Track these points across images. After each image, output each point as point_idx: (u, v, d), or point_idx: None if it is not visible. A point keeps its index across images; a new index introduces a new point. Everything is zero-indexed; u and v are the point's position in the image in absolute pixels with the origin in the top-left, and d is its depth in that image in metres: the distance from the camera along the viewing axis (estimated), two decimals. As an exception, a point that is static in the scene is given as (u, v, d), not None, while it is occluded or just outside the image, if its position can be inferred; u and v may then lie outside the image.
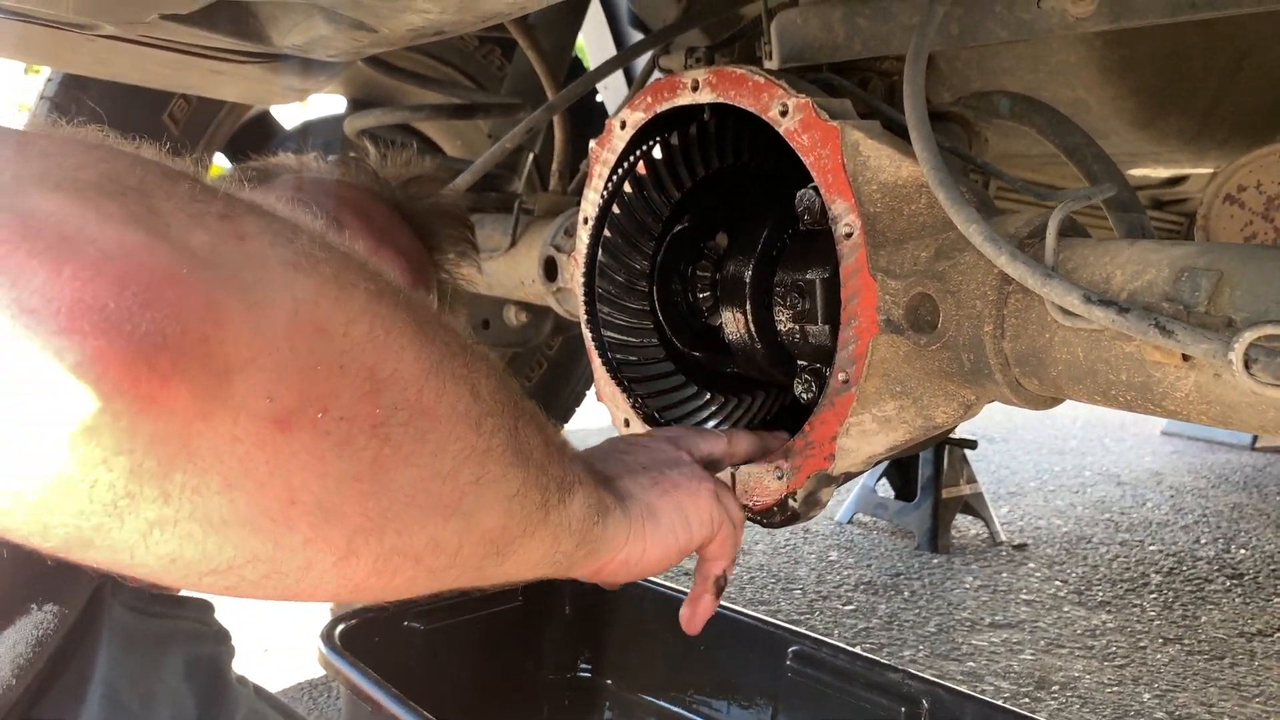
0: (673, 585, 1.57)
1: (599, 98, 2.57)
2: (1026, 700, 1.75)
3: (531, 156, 2.06)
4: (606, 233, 1.15)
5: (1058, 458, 4.15)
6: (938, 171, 0.82)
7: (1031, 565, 2.61)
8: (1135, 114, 1.58)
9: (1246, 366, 0.61)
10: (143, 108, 1.89)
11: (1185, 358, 0.68)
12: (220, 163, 2.28)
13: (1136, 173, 1.94)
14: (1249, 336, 0.60)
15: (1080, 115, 1.57)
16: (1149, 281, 0.72)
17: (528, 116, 1.45)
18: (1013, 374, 0.82)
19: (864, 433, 0.95)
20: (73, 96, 1.85)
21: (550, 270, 1.39)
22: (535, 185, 2.06)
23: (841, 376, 0.93)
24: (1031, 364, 0.80)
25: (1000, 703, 1.46)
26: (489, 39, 2.27)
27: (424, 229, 1.14)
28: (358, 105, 2.30)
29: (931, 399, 0.92)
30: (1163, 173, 2.04)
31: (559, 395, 2.59)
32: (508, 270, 1.52)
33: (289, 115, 2.53)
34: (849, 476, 1.00)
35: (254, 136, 2.29)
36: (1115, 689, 1.83)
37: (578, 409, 2.68)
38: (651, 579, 1.62)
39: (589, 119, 1.84)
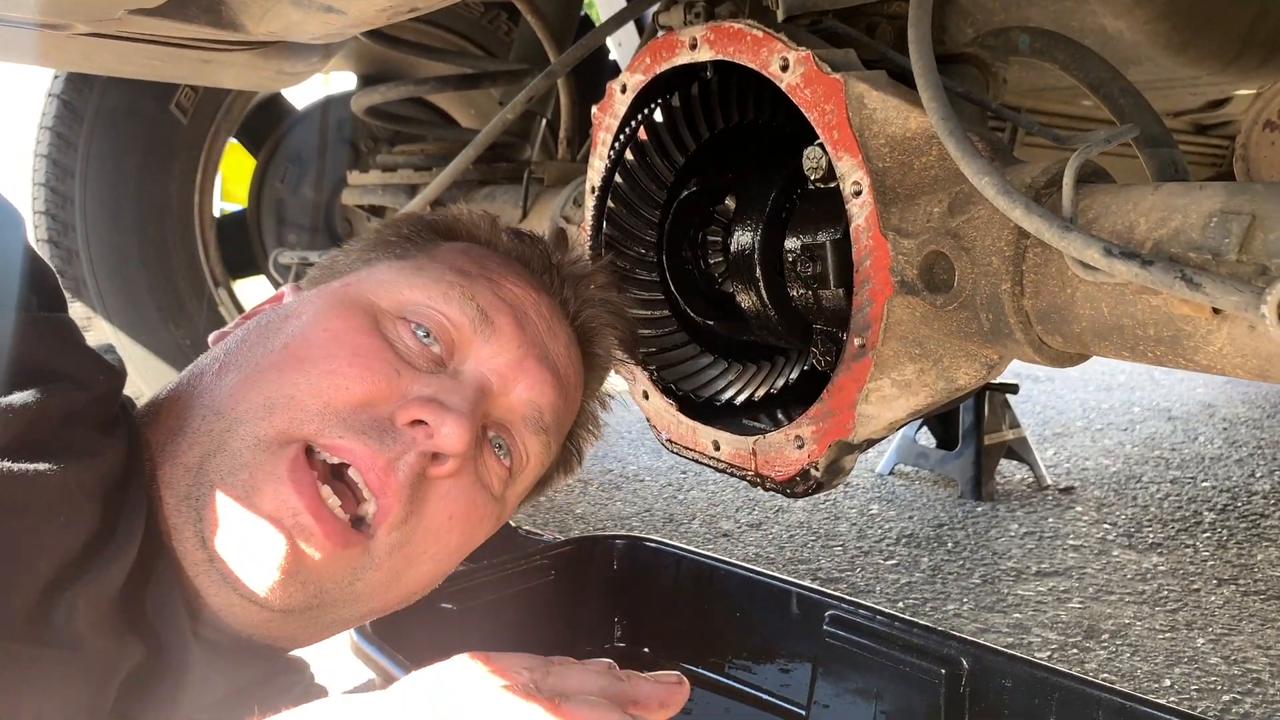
0: (707, 553, 1.55)
1: (613, 56, 2.51)
2: (1075, 651, 1.71)
3: (545, 122, 2.02)
4: (611, 203, 1.11)
5: (1105, 394, 4.06)
6: (947, 121, 0.78)
7: (1079, 509, 2.56)
8: (1169, 38, 1.50)
9: (1281, 319, 0.56)
10: (150, 99, 1.88)
11: (1216, 310, 0.64)
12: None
13: (1177, 97, 1.85)
14: (1282, 287, 0.56)
15: (1111, 44, 1.49)
16: (1175, 229, 0.67)
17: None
18: (1035, 332, 0.78)
19: (884, 398, 0.91)
20: (80, 93, 1.84)
21: (560, 242, 1.36)
22: (551, 152, 2.02)
23: (858, 341, 0.89)
24: (1054, 321, 0.76)
25: (1042, 659, 1.43)
26: (494, 4, 2.22)
27: (589, 337, 0.96)
28: (369, 81, 2.27)
29: (952, 360, 0.88)
30: (1204, 96, 1.95)
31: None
32: (520, 243, 1.49)
33: (304, 95, 2.51)
34: (871, 443, 0.97)
35: (266, 119, 2.28)
36: (1167, 635, 1.79)
37: (608, 376, 2.65)
38: (685, 547, 1.60)
39: (601, 81, 1.80)
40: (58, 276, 0.72)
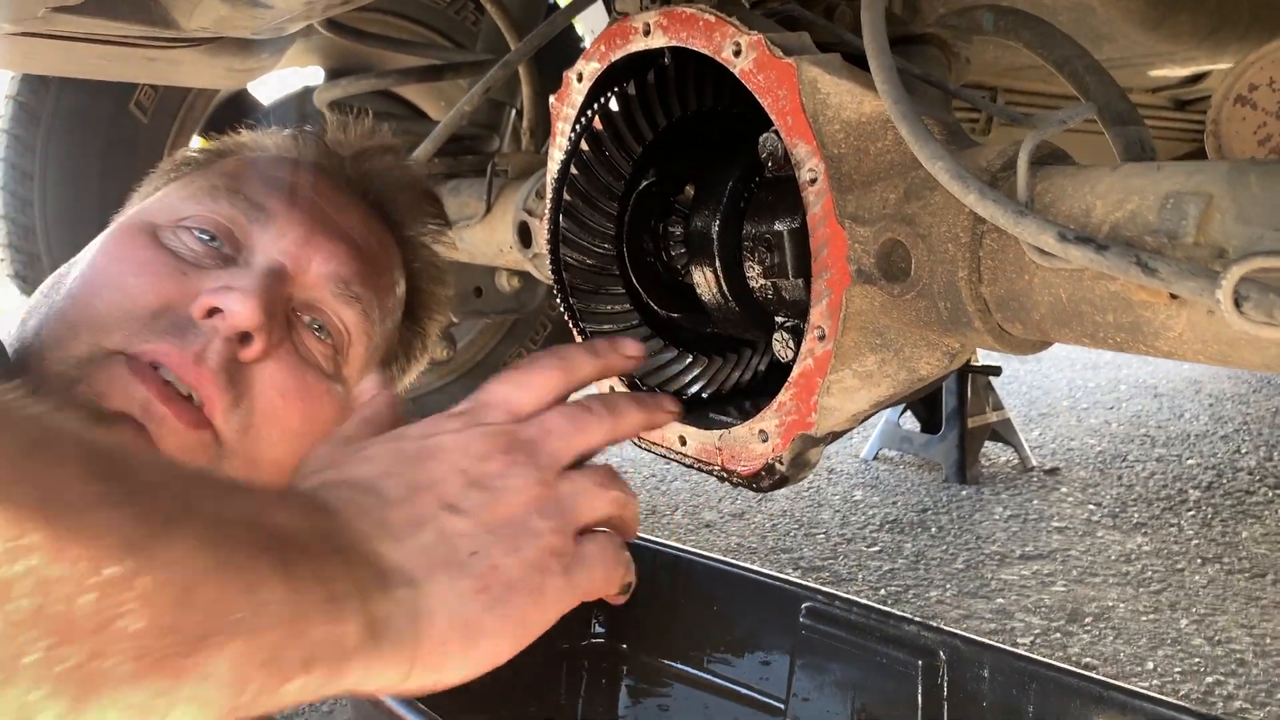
0: (683, 546, 1.53)
1: (585, 44, 2.48)
2: (1057, 635, 1.70)
3: (514, 112, 1.99)
4: (568, 195, 1.09)
5: (1091, 372, 4.06)
6: (899, 104, 0.75)
7: (1064, 490, 2.55)
8: (1144, 14, 1.48)
9: (1237, 305, 0.54)
10: (108, 99, 1.85)
11: (1174, 295, 0.62)
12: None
13: (1154, 73, 1.83)
14: (1237, 272, 0.54)
15: (1085, 20, 1.47)
16: (1132, 212, 0.65)
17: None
18: (994, 320, 0.76)
19: (846, 390, 0.89)
20: (37, 94, 1.81)
21: (525, 236, 1.33)
22: (520, 143, 1.99)
23: (817, 332, 0.87)
24: (1013, 308, 0.74)
25: (1025, 645, 1.42)
26: (460, -7, 2.19)
27: (383, 205, 1.04)
28: (336, 75, 2.23)
29: (914, 350, 0.86)
30: (1181, 71, 1.93)
31: (568, 354, 2.54)
32: (485, 237, 1.46)
33: (271, 90, 2.47)
34: (835, 436, 0.95)
35: (231, 116, 2.24)
36: (1151, 616, 1.78)
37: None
38: (661, 541, 1.59)
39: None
40: None
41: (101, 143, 1.86)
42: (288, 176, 0.90)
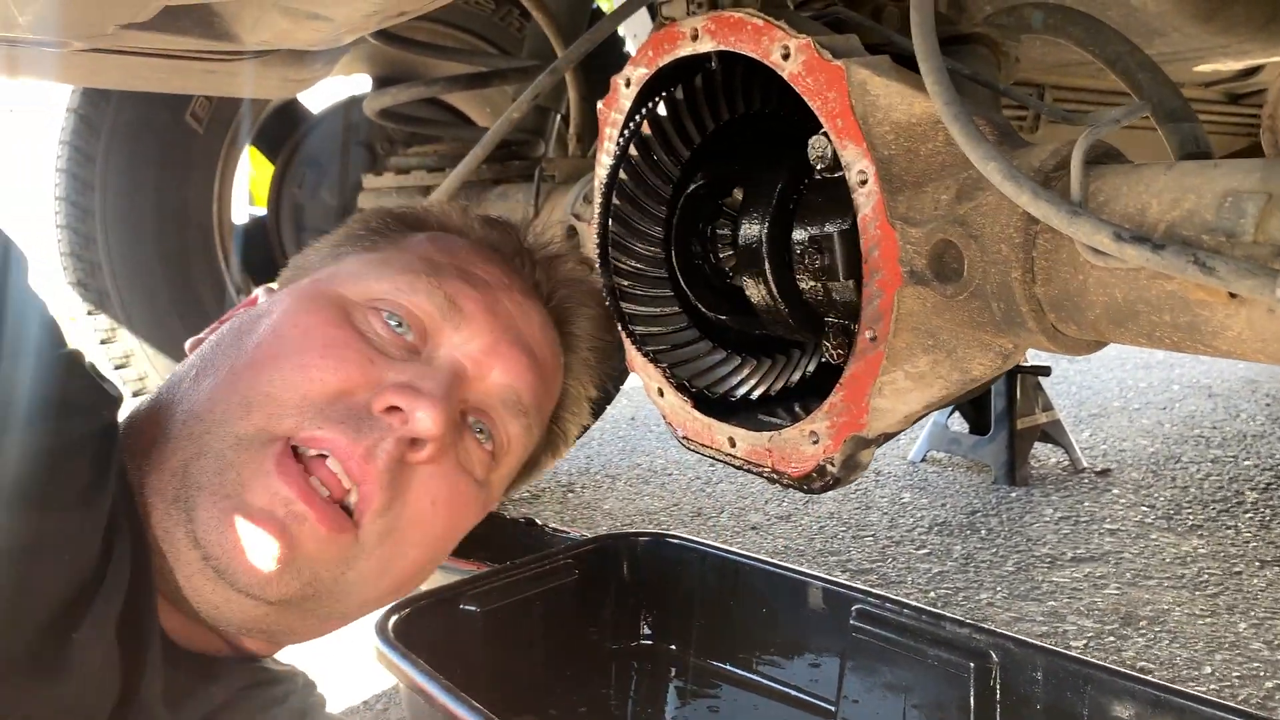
0: (731, 549, 1.54)
1: (629, 49, 2.50)
2: (1111, 638, 1.68)
3: (559, 119, 2.01)
4: (617, 199, 1.10)
5: (1143, 373, 3.98)
6: (950, 105, 0.76)
7: (1116, 491, 2.51)
8: (1196, 6, 1.46)
9: (1299, 303, 0.54)
10: (164, 110, 1.90)
11: (1233, 294, 0.61)
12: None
13: (1207, 67, 1.80)
14: (1299, 269, 0.53)
15: (1134, 15, 1.45)
16: (1189, 210, 0.64)
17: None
18: (1048, 320, 0.76)
19: (898, 391, 0.89)
20: (97, 108, 1.86)
21: (572, 240, 1.35)
22: (566, 149, 2.01)
23: (869, 334, 0.87)
24: (1067, 308, 0.74)
25: (1078, 649, 1.40)
26: (504, 1, 2.21)
27: (562, 317, 0.99)
28: (384, 83, 2.27)
29: (966, 351, 0.85)
30: (1234, 65, 1.89)
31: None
32: (534, 242, 1.48)
33: (321, 99, 2.51)
34: (887, 437, 0.95)
35: (282, 125, 2.29)
36: (1208, 620, 1.75)
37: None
38: (710, 543, 1.59)
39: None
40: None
41: (158, 153, 1.91)
42: (484, 275, 0.88)
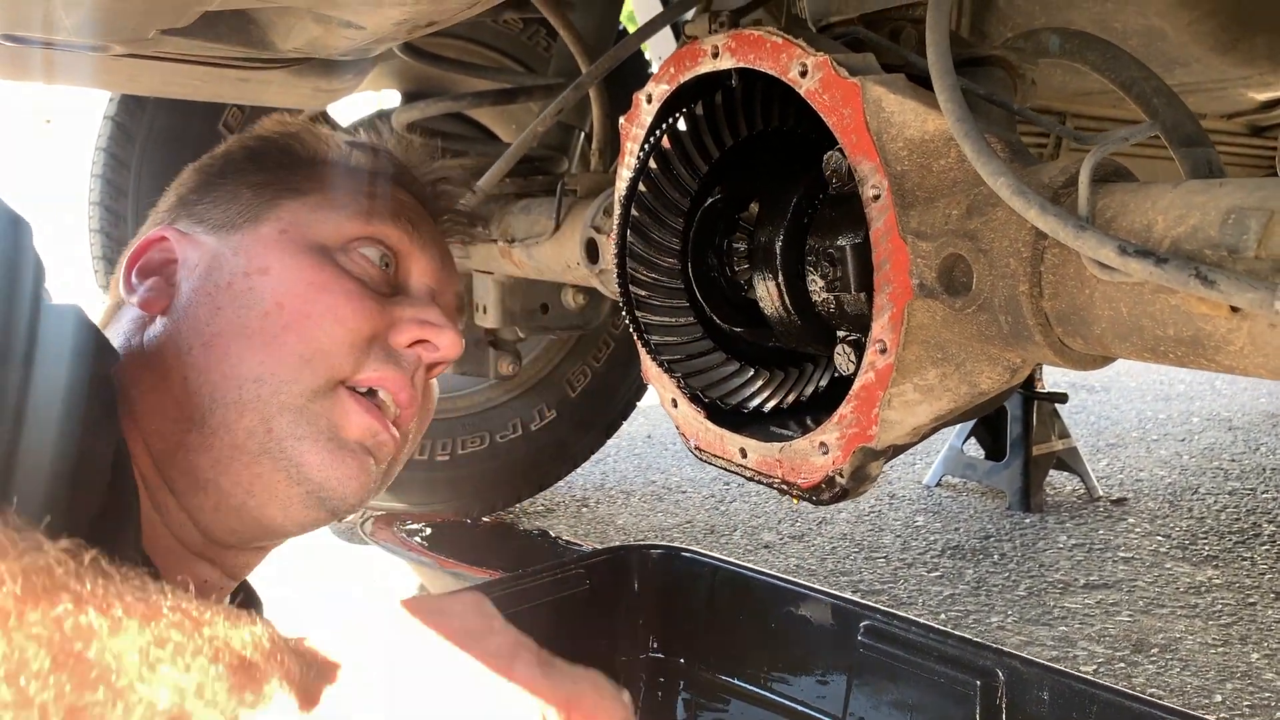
0: (743, 564, 1.54)
1: (653, 68, 2.53)
2: (1121, 665, 1.67)
3: (582, 135, 2.04)
4: (636, 212, 1.12)
5: (1163, 404, 3.96)
6: (962, 122, 0.77)
7: (1131, 520, 2.50)
8: (1217, 37, 1.47)
9: (1297, 316, 0.55)
10: (199, 119, 1.94)
11: (1234, 309, 0.63)
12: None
13: (1229, 98, 1.81)
14: (1296, 283, 0.55)
15: (1156, 45, 1.46)
16: (1194, 226, 0.66)
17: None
18: (1055, 334, 0.77)
19: (907, 403, 0.90)
20: (133, 115, 1.90)
21: (592, 252, 1.37)
22: (589, 164, 2.04)
23: (879, 346, 0.89)
24: (1074, 322, 0.75)
25: (1088, 673, 1.40)
26: (533, 20, 2.25)
27: (444, 228, 1.15)
28: (412, 98, 2.31)
29: (975, 364, 0.87)
30: (1257, 96, 1.90)
31: (630, 372, 2.58)
32: (554, 254, 1.50)
33: (348, 113, 2.56)
34: (897, 450, 0.96)
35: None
36: (1220, 650, 1.74)
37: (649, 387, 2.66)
38: (720, 557, 1.60)
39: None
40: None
41: (191, 161, 1.94)
42: (404, 200, 1.02)
